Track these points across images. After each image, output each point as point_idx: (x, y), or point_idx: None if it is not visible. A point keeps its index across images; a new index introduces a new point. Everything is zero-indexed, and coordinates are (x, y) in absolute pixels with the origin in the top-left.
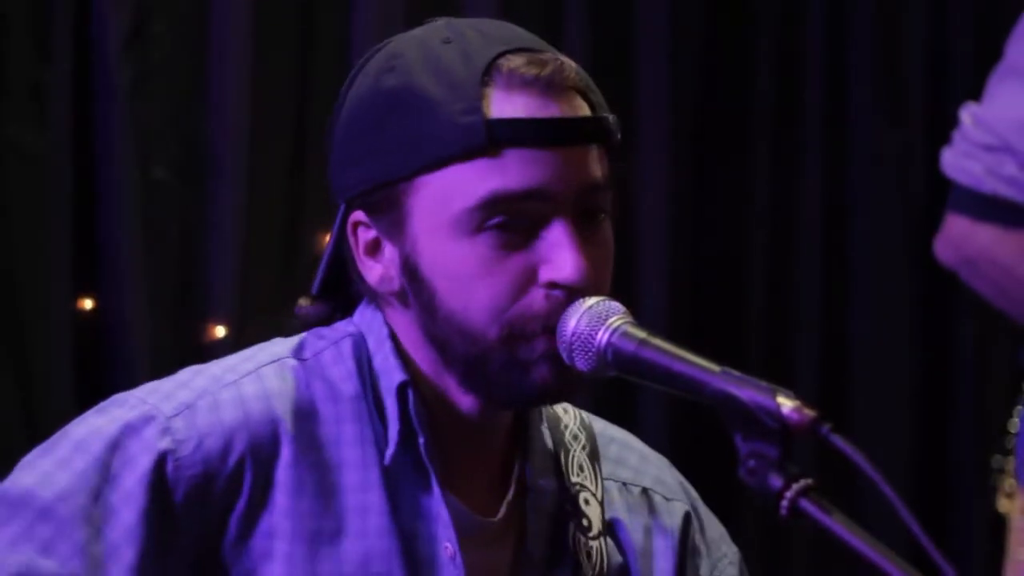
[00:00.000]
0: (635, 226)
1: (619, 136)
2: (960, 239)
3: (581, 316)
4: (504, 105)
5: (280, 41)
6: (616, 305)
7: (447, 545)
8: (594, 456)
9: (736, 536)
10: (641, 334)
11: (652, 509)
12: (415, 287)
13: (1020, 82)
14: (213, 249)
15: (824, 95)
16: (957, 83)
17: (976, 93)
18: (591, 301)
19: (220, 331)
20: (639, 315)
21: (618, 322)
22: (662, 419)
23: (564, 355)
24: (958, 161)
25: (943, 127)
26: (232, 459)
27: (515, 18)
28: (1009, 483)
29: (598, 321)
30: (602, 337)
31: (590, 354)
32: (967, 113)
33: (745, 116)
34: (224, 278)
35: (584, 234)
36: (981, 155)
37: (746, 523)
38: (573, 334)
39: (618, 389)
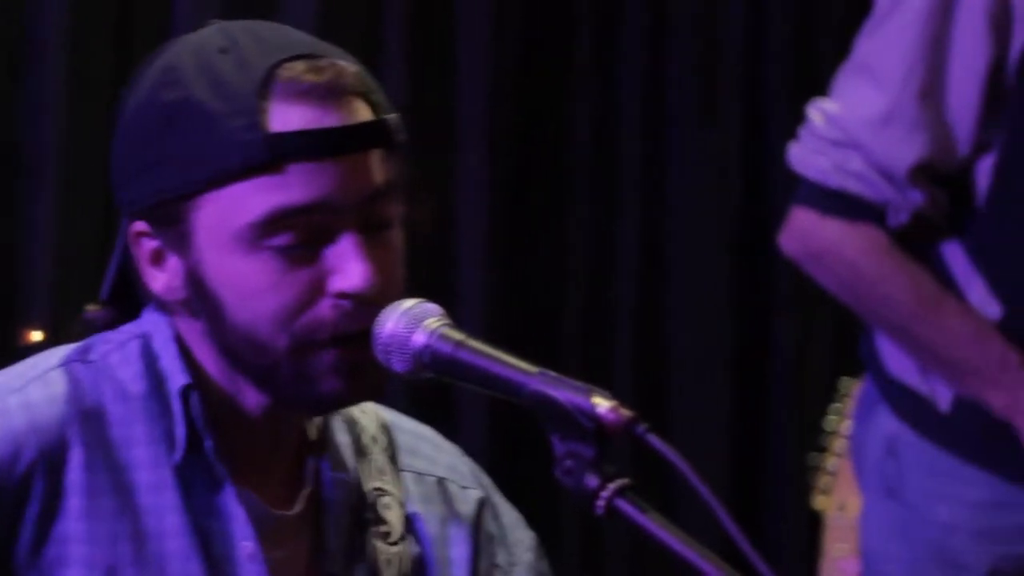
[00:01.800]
0: (454, 229)
1: (403, 134)
2: (806, 233)
3: (399, 318)
4: (283, 117)
5: (97, 39)
6: (434, 307)
7: (246, 543)
8: (392, 455)
9: (556, 536)
10: (458, 336)
11: (447, 498)
12: (201, 298)
13: (868, 80)
14: (29, 253)
15: (642, 95)
16: (773, 84)
17: (793, 94)
18: (408, 303)
19: (36, 336)
20: (457, 318)
21: (435, 324)
22: (482, 421)
23: (381, 357)
24: (806, 156)
25: (759, 127)
26: (21, 466)
27: (334, 23)
28: (825, 480)
29: (415, 323)
30: (419, 339)
31: (407, 356)
32: (815, 109)
33: (564, 116)
34: (40, 282)
35: (371, 241)
36: (829, 151)
37: (566, 523)
38: (390, 336)
39: (438, 392)
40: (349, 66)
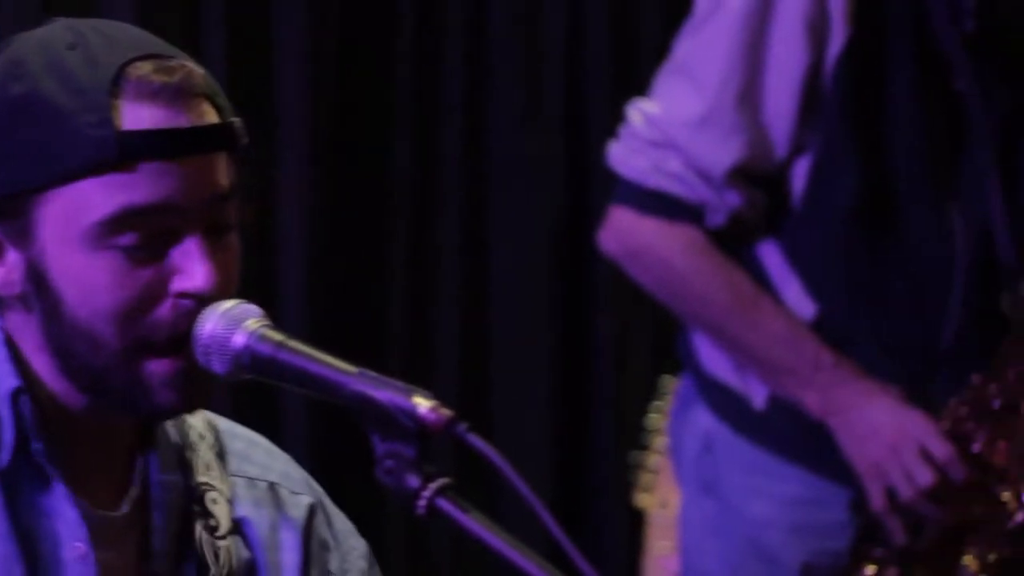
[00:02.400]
0: (275, 230)
1: (247, 140)
2: (624, 232)
3: (218, 319)
4: (134, 116)
5: None
6: (253, 308)
7: (77, 544)
8: (221, 454)
9: (381, 542)
10: (278, 337)
11: (279, 503)
12: (40, 294)
13: (687, 82)
14: None
15: (463, 96)
16: (594, 84)
17: (614, 94)
18: (228, 304)
19: None
20: (279, 319)
21: (255, 325)
22: (305, 423)
23: (201, 358)
24: (625, 156)
25: (580, 128)
26: None
27: (151, 25)
28: (647, 478)
29: (235, 324)
30: (238, 340)
31: (227, 357)
32: (635, 110)
33: (385, 119)
34: None
35: (213, 243)
36: (648, 151)
37: (391, 524)
38: (210, 337)
39: (261, 393)
40: (196, 68)
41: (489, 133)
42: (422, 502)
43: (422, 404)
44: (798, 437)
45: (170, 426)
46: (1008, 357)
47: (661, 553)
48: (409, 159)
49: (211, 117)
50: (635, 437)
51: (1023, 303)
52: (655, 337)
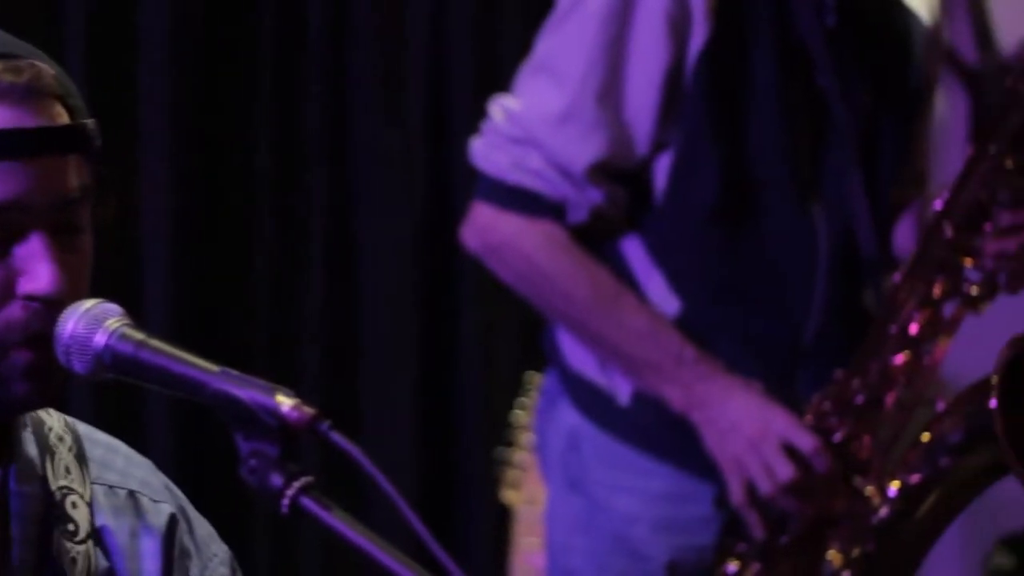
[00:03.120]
0: (137, 229)
1: (99, 141)
2: (486, 227)
3: (79, 319)
4: None
5: None
6: (114, 307)
7: None
8: (81, 458)
9: (247, 543)
10: (139, 336)
11: (139, 511)
12: None
13: (548, 79)
14: None
15: (326, 94)
16: (456, 81)
17: (476, 91)
18: (89, 304)
19: None
20: (143, 319)
21: (116, 324)
22: (168, 423)
23: (62, 358)
24: (486, 152)
25: (443, 125)
26: None
27: (9, 22)
28: (513, 475)
29: (95, 323)
30: (99, 339)
31: (87, 357)
32: (496, 106)
33: (248, 118)
34: None
35: (61, 244)
36: (509, 147)
37: (256, 524)
38: (70, 336)
39: (123, 394)
40: (48, 68)
41: (352, 130)
42: (285, 501)
43: (284, 402)
44: (663, 433)
45: (28, 434)
46: (870, 351)
47: (528, 550)
48: (272, 158)
49: (61, 118)
50: (502, 434)
51: (886, 300)
52: (521, 333)
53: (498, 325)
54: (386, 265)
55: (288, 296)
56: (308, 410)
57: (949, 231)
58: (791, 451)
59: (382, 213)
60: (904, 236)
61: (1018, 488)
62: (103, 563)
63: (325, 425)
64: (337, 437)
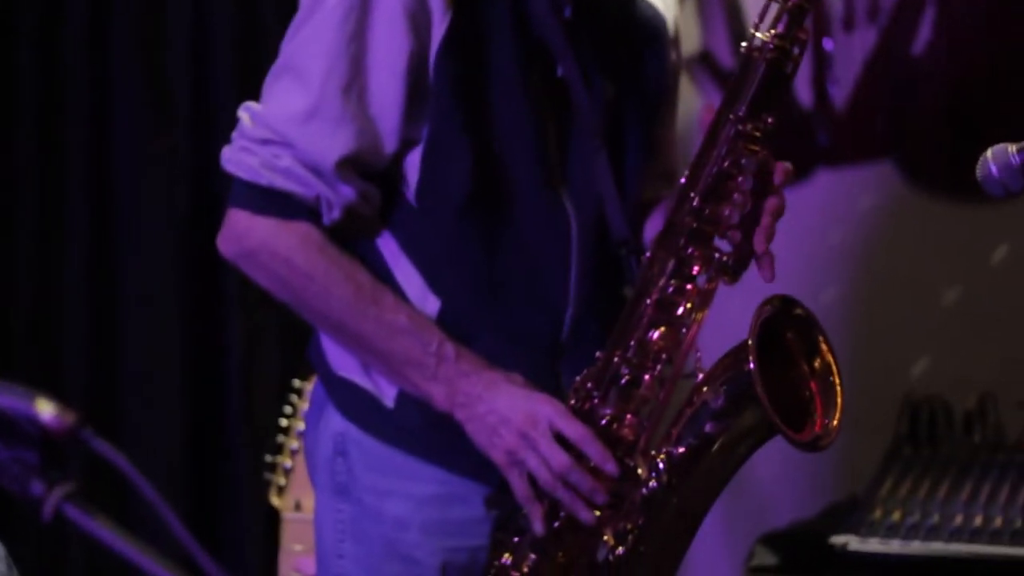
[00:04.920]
0: None
1: None
2: (241, 233)
3: None
4: None
5: None
6: None
7: None
8: None
9: (13, 548)
10: None
11: None
12: None
13: (292, 79)
14: None
15: (90, 99)
16: (219, 87)
17: (239, 97)
18: None
19: None
20: None
21: None
22: None
23: None
24: (236, 156)
25: (207, 130)
26: None
27: None
28: (280, 480)
29: None
30: None
31: None
32: (244, 111)
33: (7, 118)
34: None
35: None
36: (258, 149)
37: (23, 533)
38: None
39: None
40: None
41: (115, 134)
42: (47, 508)
43: (44, 409)
44: (429, 434)
45: None
46: (628, 328)
47: (296, 554)
48: (33, 159)
49: None
50: (268, 439)
51: (639, 275)
52: (287, 339)
53: (264, 330)
54: (151, 271)
55: (50, 301)
56: (69, 416)
57: (696, 200)
58: (562, 439)
59: (146, 220)
60: (654, 231)
61: (779, 488)
62: None
63: (87, 431)
64: (99, 444)
